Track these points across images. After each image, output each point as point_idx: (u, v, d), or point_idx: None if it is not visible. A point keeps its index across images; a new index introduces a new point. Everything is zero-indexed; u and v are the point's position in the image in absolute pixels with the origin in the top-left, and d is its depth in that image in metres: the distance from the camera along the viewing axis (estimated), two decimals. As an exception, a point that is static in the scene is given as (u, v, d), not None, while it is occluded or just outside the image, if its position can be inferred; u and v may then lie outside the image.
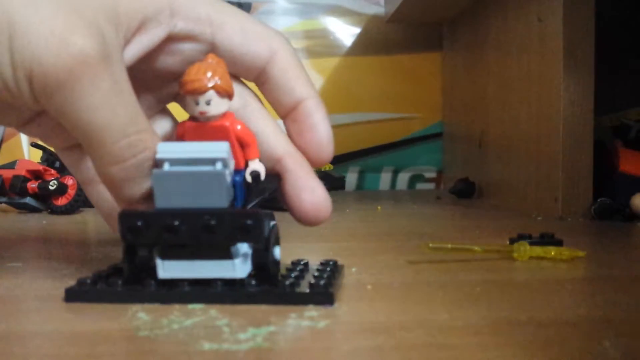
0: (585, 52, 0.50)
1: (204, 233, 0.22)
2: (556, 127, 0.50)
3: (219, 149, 0.23)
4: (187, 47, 0.27)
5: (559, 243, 0.32)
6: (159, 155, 0.23)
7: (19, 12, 0.22)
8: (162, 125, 0.29)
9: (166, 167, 0.23)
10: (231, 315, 0.21)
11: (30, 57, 0.22)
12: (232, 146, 0.24)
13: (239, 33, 0.27)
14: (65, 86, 0.22)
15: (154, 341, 0.19)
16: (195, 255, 0.23)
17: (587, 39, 0.50)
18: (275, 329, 0.20)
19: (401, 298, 0.24)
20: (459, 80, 0.84)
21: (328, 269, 0.26)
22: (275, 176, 0.27)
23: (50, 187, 0.59)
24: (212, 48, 0.27)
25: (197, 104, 0.24)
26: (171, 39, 0.26)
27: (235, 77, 0.28)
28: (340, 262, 0.28)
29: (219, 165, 0.23)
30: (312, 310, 0.22)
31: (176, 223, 0.22)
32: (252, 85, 0.28)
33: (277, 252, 0.24)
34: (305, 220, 0.27)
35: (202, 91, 0.24)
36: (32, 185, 0.60)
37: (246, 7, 0.95)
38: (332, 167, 0.70)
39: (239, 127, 0.25)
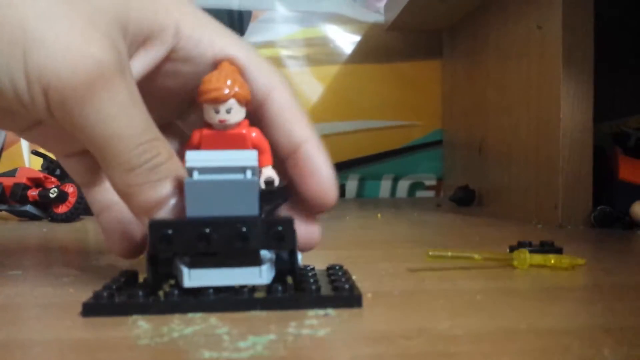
0: (585, 59, 0.50)
1: (236, 241, 0.22)
2: (556, 135, 0.51)
3: (249, 157, 0.24)
4: (186, 70, 0.27)
5: (559, 251, 0.32)
6: (188, 164, 0.23)
7: (34, 25, 0.22)
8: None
9: (195, 175, 0.23)
10: (231, 324, 0.21)
11: (48, 71, 0.22)
12: None
13: (241, 60, 0.26)
14: (84, 99, 0.22)
15: (155, 349, 0.19)
16: (221, 262, 0.23)
17: (586, 45, 0.50)
18: (275, 337, 0.20)
19: (401, 306, 0.24)
20: (458, 87, 0.84)
21: (340, 273, 0.26)
22: (287, 183, 0.27)
23: (51, 195, 0.59)
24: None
25: (217, 112, 0.24)
26: (171, 59, 0.26)
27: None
28: (345, 268, 0.28)
29: (249, 174, 0.23)
30: (312, 319, 0.22)
31: (208, 231, 0.22)
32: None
33: (300, 257, 0.25)
34: (319, 202, 0.27)
35: (224, 100, 0.24)
36: (33, 193, 0.60)
37: (246, 15, 0.95)
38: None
39: (254, 134, 0.25)
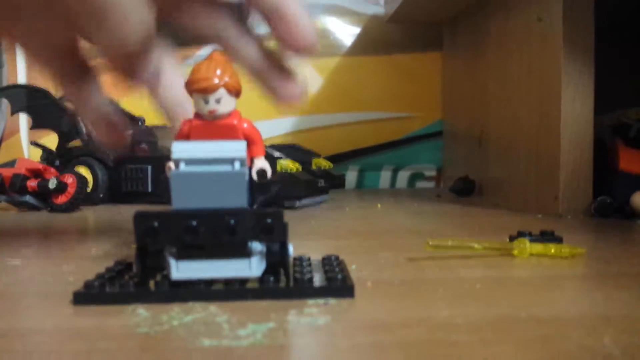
0: (586, 51, 0.50)
1: (224, 233, 0.22)
2: (556, 126, 0.50)
3: (237, 148, 0.23)
4: None
5: (559, 240, 0.32)
6: (175, 155, 0.23)
7: None
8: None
9: (182, 167, 0.23)
10: (231, 312, 0.21)
11: None
12: None
13: None
14: None
15: (154, 338, 0.19)
16: (210, 254, 0.23)
17: (587, 37, 0.50)
18: (275, 325, 0.20)
19: (401, 295, 0.24)
20: (459, 79, 0.84)
21: (334, 263, 0.26)
22: (280, 174, 0.27)
23: (50, 186, 0.59)
24: None
25: (206, 102, 0.24)
26: None
27: None
28: (340, 258, 0.28)
29: (237, 165, 0.23)
30: (312, 307, 0.22)
31: (195, 224, 0.22)
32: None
33: (291, 249, 0.25)
34: (302, 38, 0.28)
35: (213, 89, 0.24)
36: (32, 183, 0.60)
37: (246, 8, 0.95)
38: (332, 165, 0.70)
39: (245, 125, 0.25)
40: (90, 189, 0.66)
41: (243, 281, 0.23)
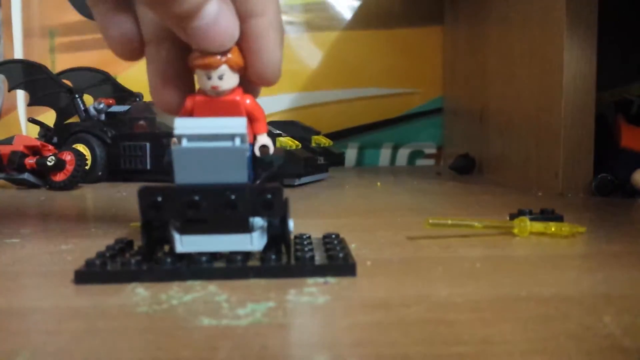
0: (588, 27, 0.49)
1: (225, 208, 0.22)
2: (557, 102, 0.50)
3: (237, 124, 0.23)
4: None
5: (559, 219, 0.32)
6: (177, 132, 0.23)
7: None
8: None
9: (184, 143, 0.23)
10: (231, 291, 0.21)
11: None
12: None
13: None
14: None
15: (153, 317, 0.19)
16: (212, 229, 0.23)
17: (590, 12, 0.49)
18: (274, 305, 0.20)
19: (401, 274, 0.24)
20: (460, 54, 0.83)
21: (335, 242, 0.26)
22: (282, 150, 0.27)
23: (49, 163, 0.58)
24: None
25: (209, 78, 0.24)
26: None
27: None
28: (341, 236, 0.28)
29: (238, 141, 0.23)
30: (311, 287, 0.22)
31: (197, 198, 0.22)
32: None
33: (292, 224, 0.25)
34: (258, 80, 0.26)
35: (215, 66, 0.24)
36: (30, 161, 0.60)
37: None
38: (331, 143, 0.70)
39: (248, 101, 0.25)
40: (89, 167, 0.66)
41: (244, 259, 0.23)
